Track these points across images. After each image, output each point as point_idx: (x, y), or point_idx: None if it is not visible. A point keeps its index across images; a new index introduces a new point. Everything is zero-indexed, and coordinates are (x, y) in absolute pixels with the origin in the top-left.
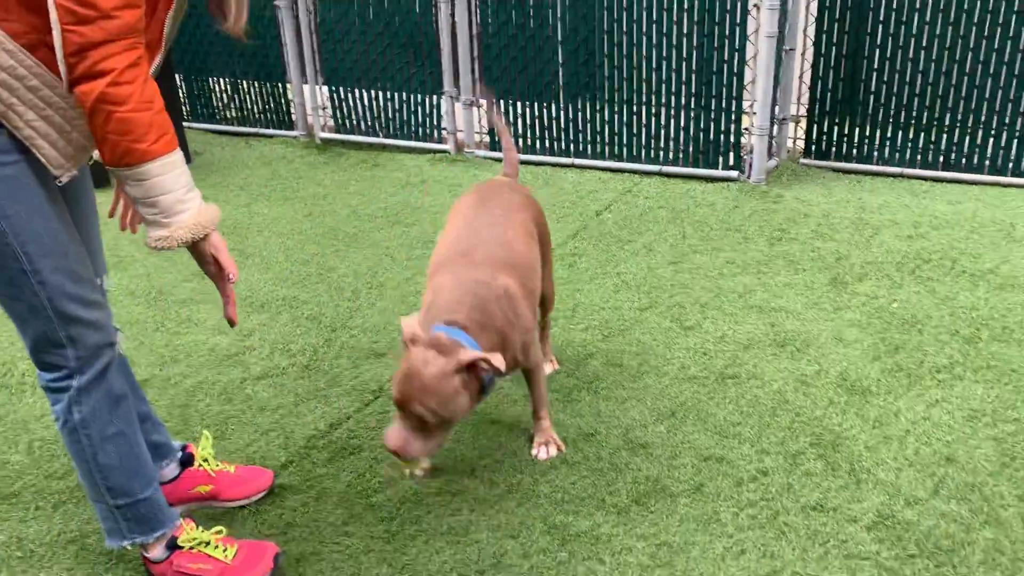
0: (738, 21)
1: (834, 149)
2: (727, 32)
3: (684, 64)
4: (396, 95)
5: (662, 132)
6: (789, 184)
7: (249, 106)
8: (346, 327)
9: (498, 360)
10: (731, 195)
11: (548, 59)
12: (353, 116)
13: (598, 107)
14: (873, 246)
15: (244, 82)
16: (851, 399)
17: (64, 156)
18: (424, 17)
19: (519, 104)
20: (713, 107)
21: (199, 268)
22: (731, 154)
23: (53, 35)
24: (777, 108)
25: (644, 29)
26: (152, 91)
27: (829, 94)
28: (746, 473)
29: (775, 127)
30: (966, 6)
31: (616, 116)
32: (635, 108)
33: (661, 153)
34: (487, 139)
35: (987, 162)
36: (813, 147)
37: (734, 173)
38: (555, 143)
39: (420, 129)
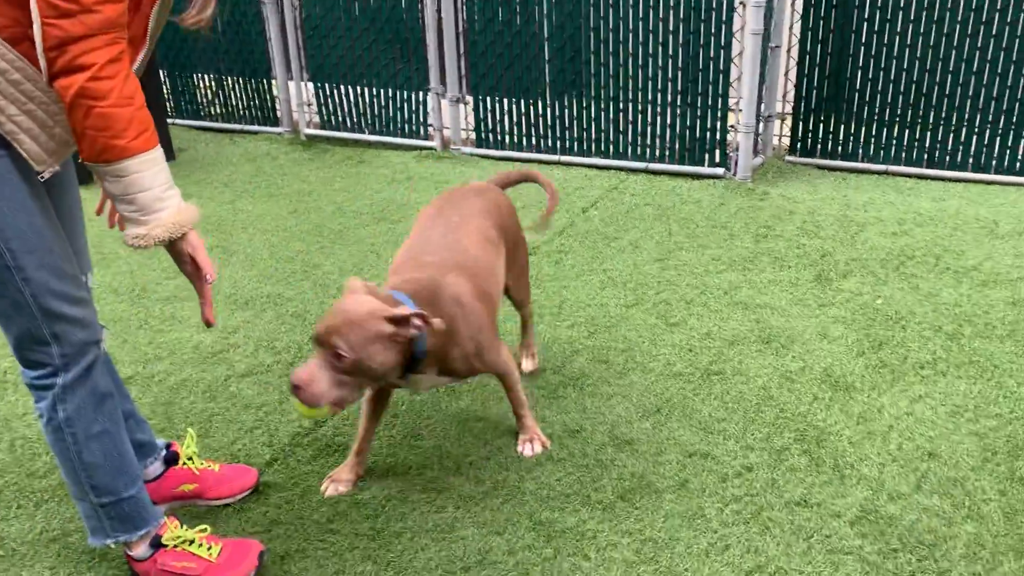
0: (724, 18)
1: (819, 146)
2: (713, 29)
3: (670, 61)
4: (382, 91)
5: (648, 129)
6: (775, 181)
7: (234, 102)
8: None
9: (438, 322)
10: (717, 192)
11: (535, 56)
12: (339, 112)
13: (585, 104)
14: (858, 243)
15: (229, 78)
16: (835, 395)
17: (46, 151)
18: (410, 13)
19: (505, 101)
20: (699, 104)
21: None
22: (717, 151)
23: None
24: (763, 105)
25: (630, 26)
26: (133, 87)
27: (814, 91)
28: (731, 469)
29: (761, 124)
30: (950, 4)
31: (603, 113)
32: (621, 105)
33: (647, 150)
34: (473, 136)
35: (971, 159)
36: (799, 144)
37: (720, 170)
38: (542, 140)
39: (406, 126)
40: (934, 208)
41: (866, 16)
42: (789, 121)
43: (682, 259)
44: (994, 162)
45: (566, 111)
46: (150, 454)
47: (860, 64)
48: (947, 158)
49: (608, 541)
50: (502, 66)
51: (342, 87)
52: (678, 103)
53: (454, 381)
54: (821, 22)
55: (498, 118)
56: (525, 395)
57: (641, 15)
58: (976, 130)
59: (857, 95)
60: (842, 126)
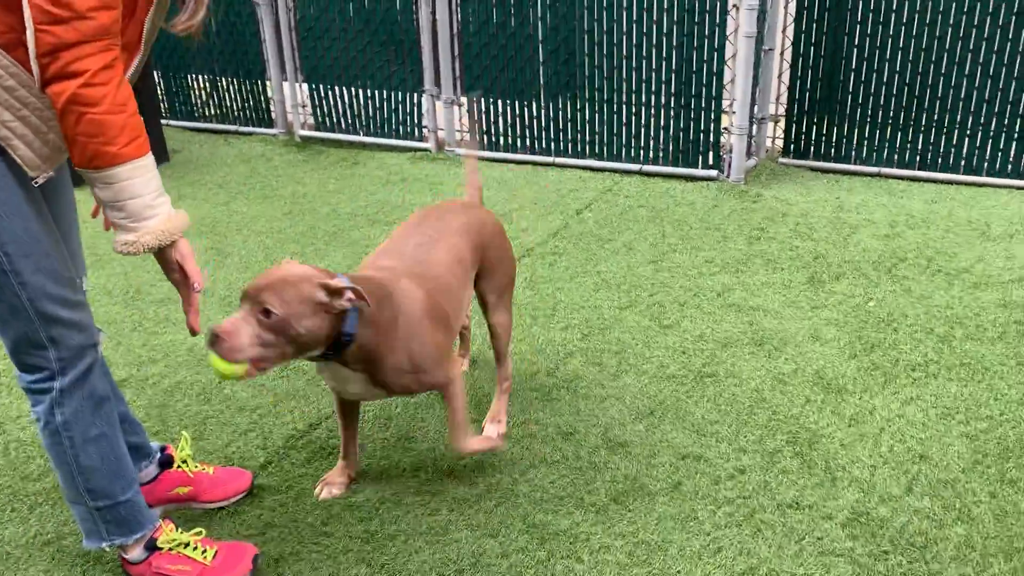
0: (717, 21)
1: (812, 148)
2: (707, 32)
3: (664, 63)
4: (376, 93)
5: (642, 131)
6: (768, 183)
7: (228, 103)
8: None
9: (369, 303)
10: (710, 194)
11: (529, 58)
12: (333, 114)
13: (579, 106)
14: (850, 245)
15: (223, 79)
16: (827, 397)
17: (40, 157)
18: (405, 15)
19: (500, 103)
20: (693, 107)
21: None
22: (711, 153)
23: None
24: (756, 108)
25: (624, 28)
26: (126, 94)
27: (808, 94)
28: (723, 471)
29: (754, 127)
30: (942, 8)
31: (596, 115)
32: (615, 107)
33: (641, 152)
34: (467, 138)
35: (963, 162)
36: (792, 146)
37: (714, 172)
38: (536, 142)
39: (401, 127)
40: (926, 210)
41: (859, 19)
42: (782, 123)
43: (676, 261)
44: (986, 164)
45: (560, 113)
46: (145, 457)
47: (853, 67)
48: (939, 160)
49: (601, 543)
50: (496, 68)
51: (337, 88)
52: (672, 105)
53: (389, 395)
54: (814, 25)
55: (493, 120)
56: (465, 413)
57: (635, 17)
58: (968, 132)
59: (850, 97)
60: (835, 128)
